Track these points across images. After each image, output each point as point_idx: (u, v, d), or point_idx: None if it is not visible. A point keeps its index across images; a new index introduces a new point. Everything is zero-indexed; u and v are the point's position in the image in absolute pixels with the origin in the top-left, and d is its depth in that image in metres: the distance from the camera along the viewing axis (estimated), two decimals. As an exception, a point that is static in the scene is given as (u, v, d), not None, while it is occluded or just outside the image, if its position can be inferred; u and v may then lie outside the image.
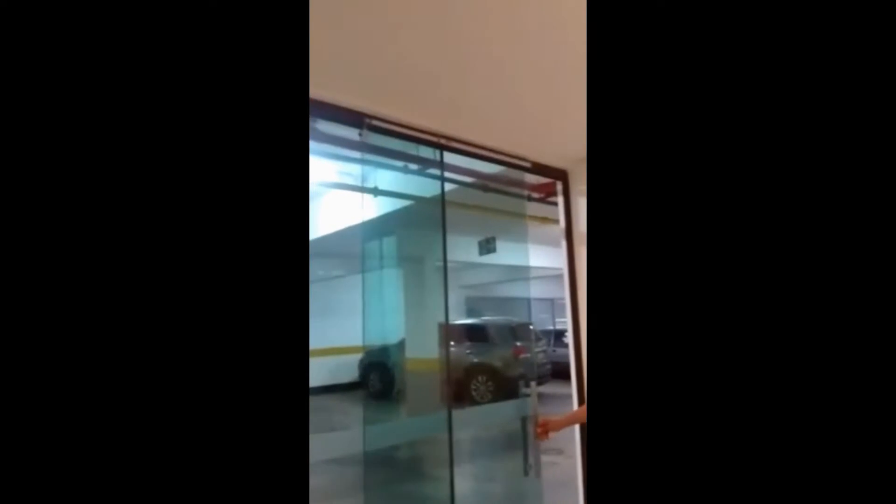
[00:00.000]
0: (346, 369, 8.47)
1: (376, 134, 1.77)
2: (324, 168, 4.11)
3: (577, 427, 2.22)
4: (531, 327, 8.58)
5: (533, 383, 2.13)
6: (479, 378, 7.18)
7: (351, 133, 1.84)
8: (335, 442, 1.83)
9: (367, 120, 1.70)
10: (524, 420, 2.04)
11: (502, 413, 2.53)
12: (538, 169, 2.30)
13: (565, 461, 4.11)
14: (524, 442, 2.00)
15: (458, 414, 2.02)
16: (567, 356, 2.37)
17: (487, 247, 5.82)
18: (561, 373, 8.01)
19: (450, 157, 2.16)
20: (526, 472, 1.97)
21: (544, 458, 4.21)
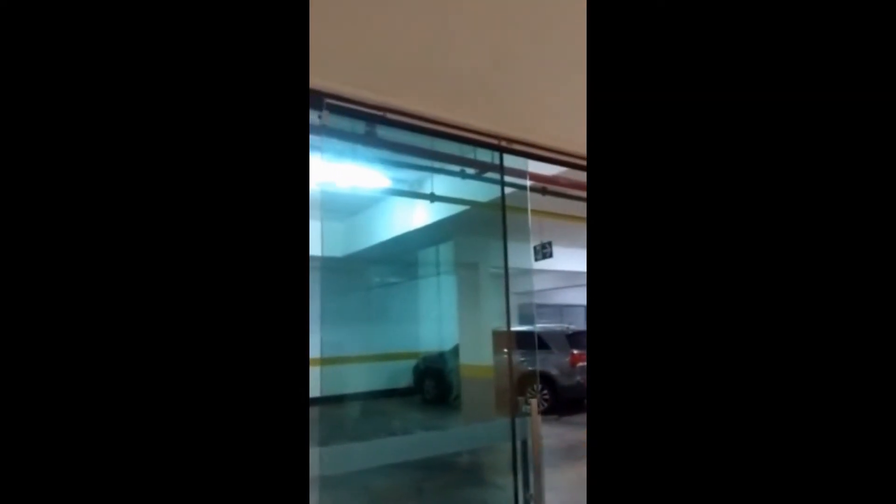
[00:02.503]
0: (403, 375, 8.57)
1: (425, 136, 1.75)
2: (380, 174, 4.18)
3: None
4: (589, 335, 8.32)
5: (534, 401, 1.84)
6: (535, 386, 7.04)
7: (411, 138, 1.84)
8: (392, 447, 1.80)
9: (423, 123, 1.70)
10: (524, 443, 1.80)
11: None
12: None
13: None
14: (524, 468, 1.78)
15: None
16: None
17: (543, 252, 5.71)
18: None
19: (507, 160, 2.12)
20: (527, 503, 1.77)
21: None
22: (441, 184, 4.52)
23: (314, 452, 1.39)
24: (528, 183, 2.55)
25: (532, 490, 1.76)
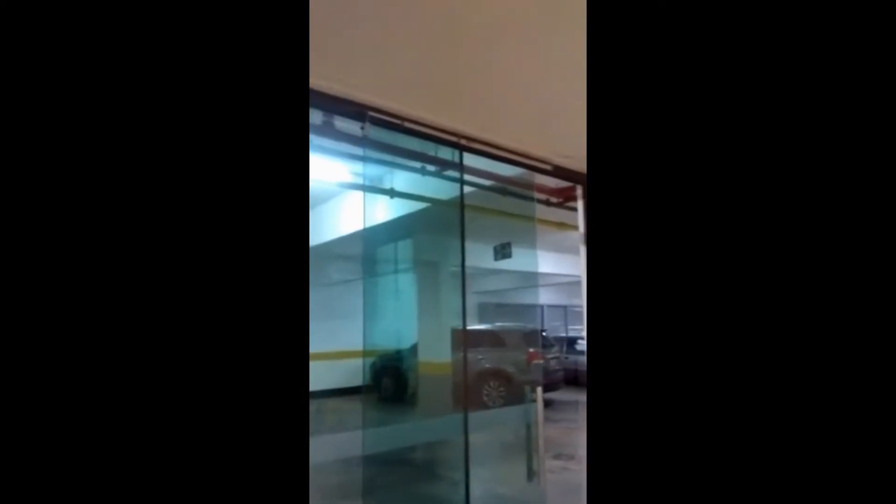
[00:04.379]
0: (360, 373, 8.49)
1: (385, 130, 1.76)
2: (341, 168, 4.13)
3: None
4: (543, 333, 8.52)
5: (539, 389, 2.06)
6: (491, 383, 7.15)
7: (375, 132, 1.84)
8: (339, 443, 1.85)
9: (372, 114, 1.70)
10: (528, 427, 2.01)
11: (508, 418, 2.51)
12: (559, 172, 2.29)
13: (577, 466, 4.05)
14: (528, 448, 1.97)
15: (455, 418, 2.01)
16: (578, 363, 2.37)
17: (503, 252, 5.78)
18: (573, 380, 7.89)
19: (467, 159, 2.15)
20: (529, 479, 1.96)
21: (556, 463, 4.16)
22: (402, 180, 4.50)
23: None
24: (536, 195, 2.60)
25: (536, 467, 1.94)
